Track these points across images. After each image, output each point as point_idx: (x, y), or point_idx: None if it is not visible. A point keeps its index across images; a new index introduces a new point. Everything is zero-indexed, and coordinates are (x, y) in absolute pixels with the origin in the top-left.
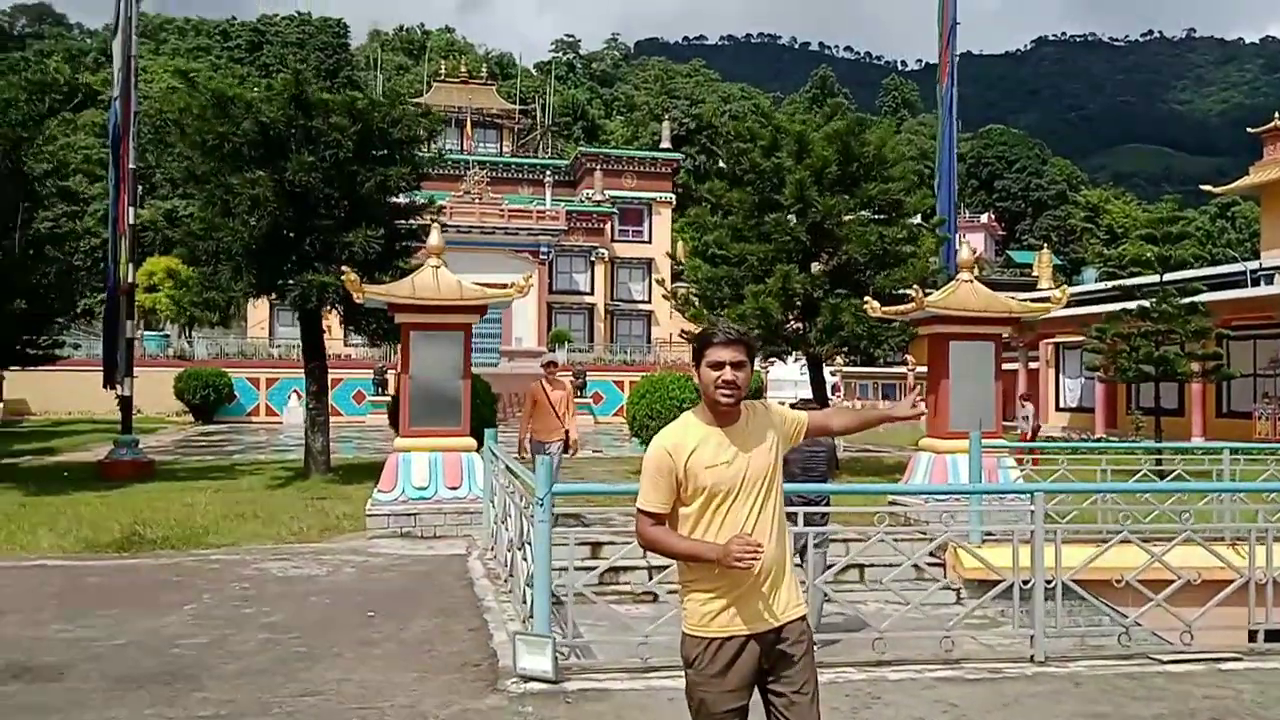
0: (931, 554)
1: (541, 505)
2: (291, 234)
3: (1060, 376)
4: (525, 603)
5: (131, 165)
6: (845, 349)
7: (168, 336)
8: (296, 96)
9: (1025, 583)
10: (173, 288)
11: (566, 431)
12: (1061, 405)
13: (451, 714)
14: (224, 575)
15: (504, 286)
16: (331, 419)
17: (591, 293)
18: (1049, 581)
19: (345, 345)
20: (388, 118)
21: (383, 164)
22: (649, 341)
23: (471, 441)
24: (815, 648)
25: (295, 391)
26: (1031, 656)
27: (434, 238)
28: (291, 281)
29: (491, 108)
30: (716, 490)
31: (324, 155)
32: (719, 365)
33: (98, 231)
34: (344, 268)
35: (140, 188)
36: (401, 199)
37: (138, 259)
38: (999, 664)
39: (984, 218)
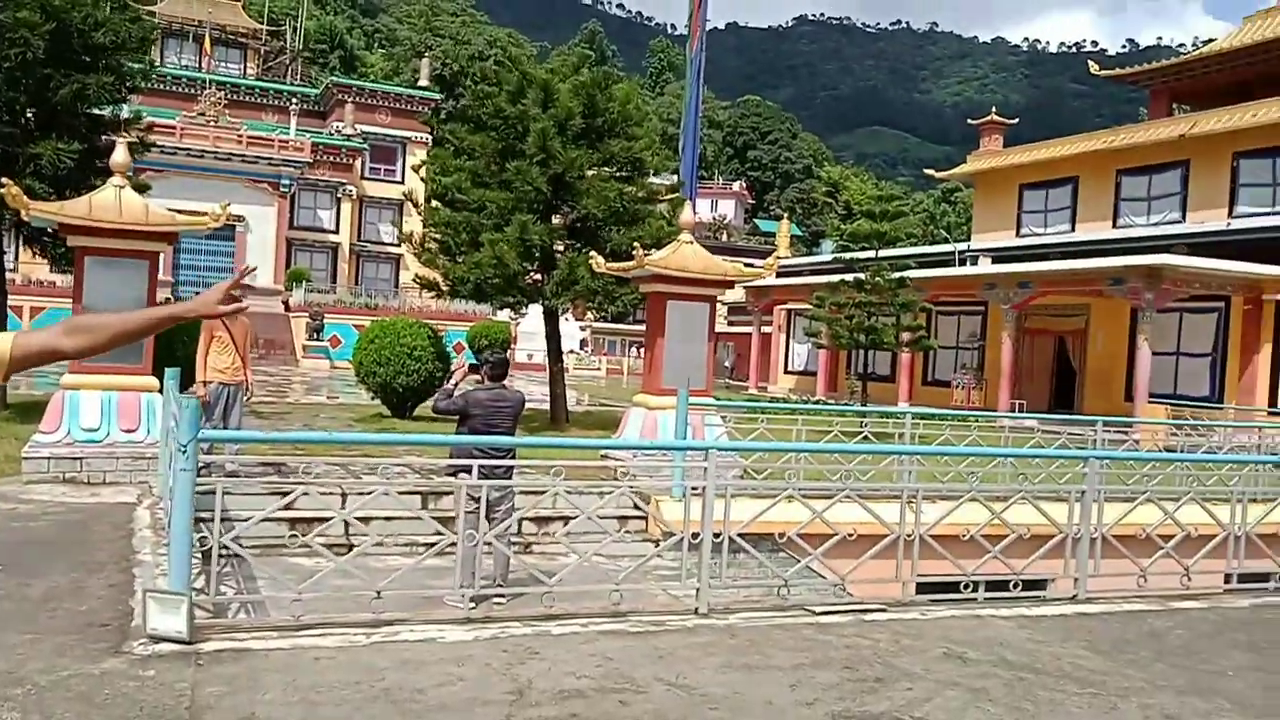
0: (637, 506)
1: (184, 452)
2: None
3: (790, 341)
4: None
5: None
6: (582, 303)
7: None
8: None
9: (695, 535)
10: None
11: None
12: (790, 369)
13: (57, 680)
14: None
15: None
16: None
17: (336, 231)
18: (716, 535)
19: (53, 272)
20: (89, 19)
21: (82, 70)
22: (396, 286)
23: (154, 381)
24: (504, 602)
25: None
26: (696, 609)
27: (119, 154)
28: None
29: (236, 25)
30: None
31: (7, 54)
32: None
33: None
34: (2, 179)
35: None
36: (105, 112)
37: None
38: (664, 616)
39: (736, 185)
